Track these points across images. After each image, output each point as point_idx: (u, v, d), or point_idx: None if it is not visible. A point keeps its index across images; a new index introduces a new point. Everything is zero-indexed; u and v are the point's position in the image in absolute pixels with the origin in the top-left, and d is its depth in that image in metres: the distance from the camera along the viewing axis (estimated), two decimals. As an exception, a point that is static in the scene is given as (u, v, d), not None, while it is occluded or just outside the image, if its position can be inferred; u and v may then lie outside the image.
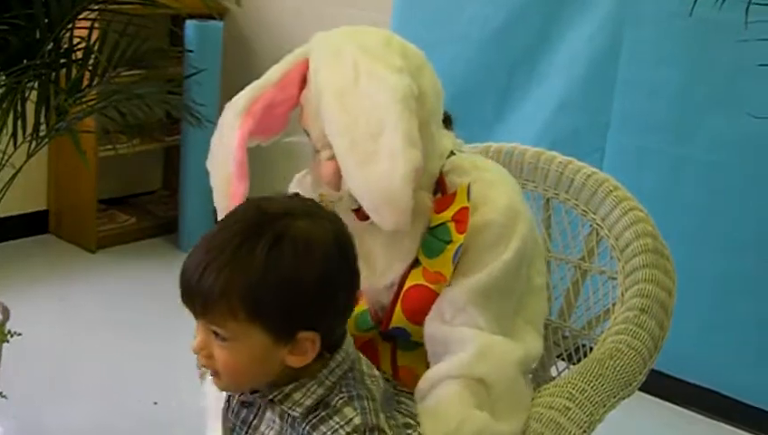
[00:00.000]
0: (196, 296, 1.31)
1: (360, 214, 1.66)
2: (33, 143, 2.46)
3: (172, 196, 4.45)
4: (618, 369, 1.82)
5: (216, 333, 1.32)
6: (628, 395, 1.85)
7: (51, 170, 4.21)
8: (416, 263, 1.69)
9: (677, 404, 3.12)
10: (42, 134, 2.37)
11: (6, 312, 2.58)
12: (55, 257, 4.10)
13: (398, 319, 1.70)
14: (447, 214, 1.67)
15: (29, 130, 2.40)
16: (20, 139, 2.47)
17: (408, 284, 1.69)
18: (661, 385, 2.84)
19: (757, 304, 3.01)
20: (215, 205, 1.79)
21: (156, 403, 3.05)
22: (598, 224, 2.05)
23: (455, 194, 1.69)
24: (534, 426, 1.63)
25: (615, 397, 1.77)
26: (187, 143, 4.18)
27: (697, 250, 2.98)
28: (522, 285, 1.76)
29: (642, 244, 1.99)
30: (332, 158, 1.62)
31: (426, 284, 1.68)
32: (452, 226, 1.66)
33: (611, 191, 2.04)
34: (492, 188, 1.73)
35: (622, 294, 1.98)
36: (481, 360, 1.64)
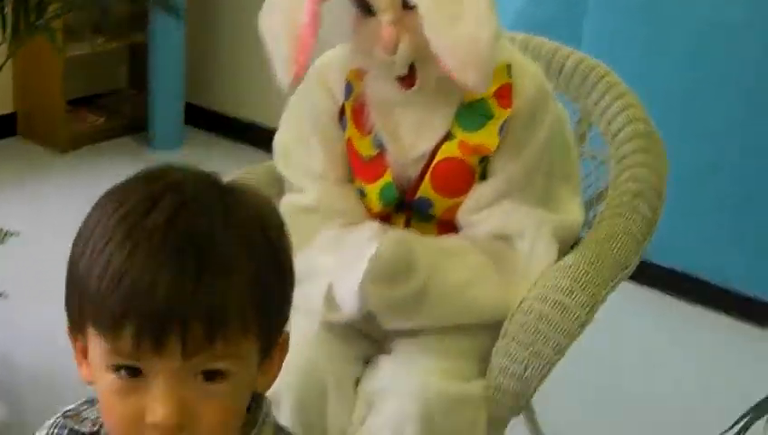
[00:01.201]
0: (190, 321, 0.86)
1: (406, 82, 1.70)
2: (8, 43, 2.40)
3: (139, 94, 4.39)
4: (615, 251, 1.85)
5: (210, 374, 0.89)
6: (625, 278, 1.89)
7: (16, 72, 4.12)
8: (448, 137, 1.73)
9: (654, 288, 3.17)
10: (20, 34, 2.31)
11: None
12: (24, 159, 4.05)
13: (425, 190, 1.77)
14: (488, 91, 1.72)
15: (8, 29, 2.34)
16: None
17: (439, 156, 1.75)
18: (638, 270, 2.90)
19: (732, 188, 3.06)
20: (276, 73, 1.75)
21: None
22: (588, 110, 2.06)
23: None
24: (539, 307, 1.66)
25: (614, 279, 1.81)
26: (154, 40, 4.10)
27: (674, 135, 3.00)
28: (562, 158, 1.83)
29: (634, 129, 2.01)
30: (393, 22, 1.63)
31: (460, 156, 1.75)
32: (493, 101, 1.72)
33: (602, 77, 2.05)
34: (524, 67, 1.80)
35: (615, 179, 2.01)
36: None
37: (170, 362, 0.87)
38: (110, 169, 3.97)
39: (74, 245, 0.95)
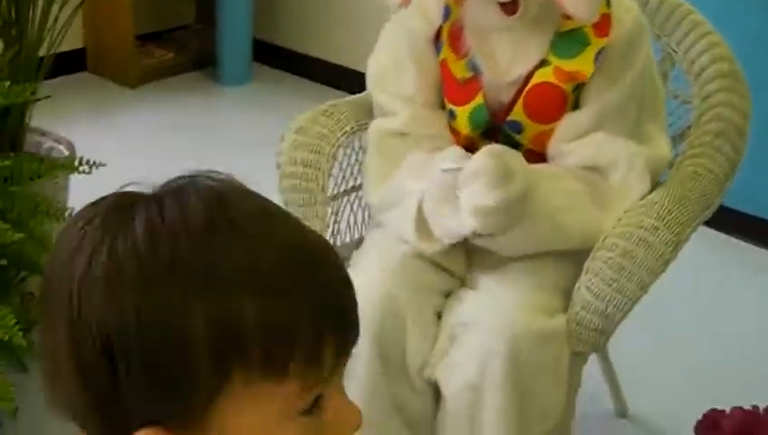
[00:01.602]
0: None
1: (508, 9, 1.72)
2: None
3: (207, 30, 4.41)
4: (698, 191, 1.85)
5: None
6: (707, 218, 1.89)
7: (86, 8, 4.14)
8: (543, 64, 1.76)
9: (727, 233, 3.14)
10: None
11: (71, 146, 2.61)
12: (94, 94, 4.10)
13: (517, 113, 1.79)
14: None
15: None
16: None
17: (533, 81, 1.77)
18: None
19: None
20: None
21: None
22: (672, 48, 2.05)
23: None
24: (624, 244, 1.67)
25: (697, 219, 1.81)
26: (222, -25, 4.12)
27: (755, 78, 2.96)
28: (652, 93, 1.84)
29: (718, 68, 1.99)
30: None
31: (555, 82, 1.77)
32: (590, 30, 1.74)
33: (687, 15, 2.03)
34: (619, 2, 1.80)
35: (698, 118, 2.00)
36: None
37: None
38: (179, 104, 4.05)
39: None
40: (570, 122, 1.78)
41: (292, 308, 0.69)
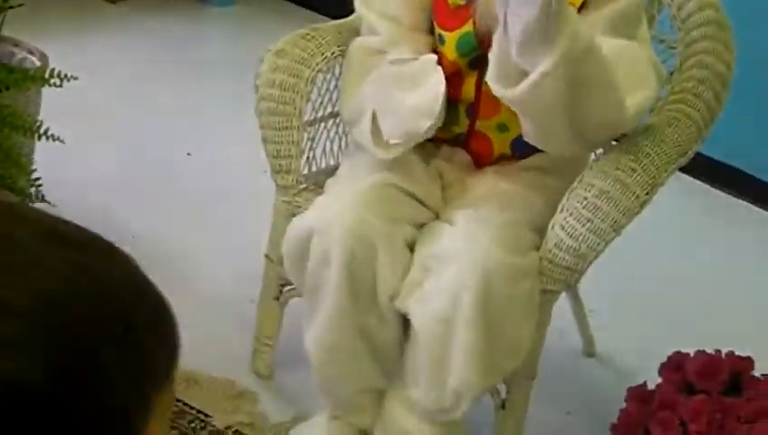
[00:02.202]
0: None
1: None
2: None
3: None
4: (677, 136, 1.85)
5: None
6: (684, 163, 1.89)
7: None
8: None
9: (721, 189, 3.14)
10: None
11: (44, 57, 2.56)
12: (75, 8, 4.01)
13: None
14: None
15: None
16: None
17: None
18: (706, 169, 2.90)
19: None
20: None
21: (189, 154, 3.07)
22: (660, -9, 2.03)
23: None
24: (600, 184, 1.67)
25: (673, 163, 1.81)
26: None
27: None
28: (640, 30, 1.79)
29: (705, 15, 1.98)
30: None
31: None
32: None
33: (677, -41, 2.01)
34: None
35: (681, 64, 1.99)
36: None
37: None
38: (162, 22, 3.98)
39: None
40: None
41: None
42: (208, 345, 2.26)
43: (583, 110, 1.63)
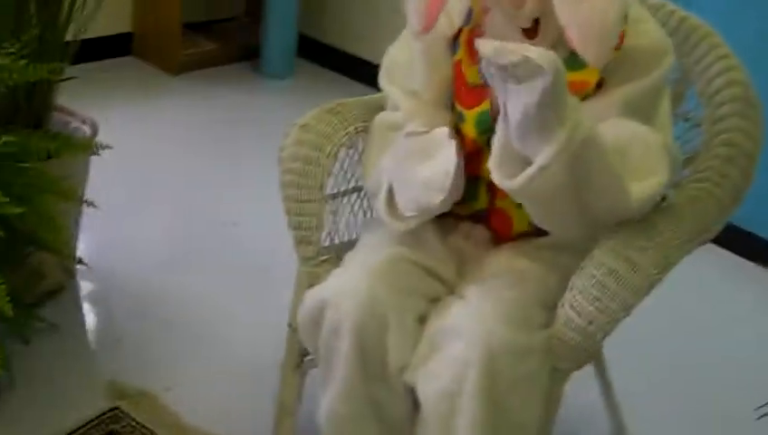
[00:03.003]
0: None
1: (528, 33, 1.73)
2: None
3: (254, 23, 4.45)
4: (696, 215, 1.83)
5: None
6: (704, 242, 1.86)
7: (135, -8, 4.23)
8: None
9: (746, 257, 3.10)
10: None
11: (95, 127, 2.64)
12: (137, 79, 4.15)
13: None
14: None
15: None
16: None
17: None
18: (730, 237, 2.85)
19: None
20: (409, 20, 1.80)
21: (235, 224, 3.13)
22: (688, 69, 2.02)
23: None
24: (610, 263, 1.65)
25: (692, 242, 1.78)
26: (271, -30, 4.15)
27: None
28: (659, 113, 1.79)
29: (733, 92, 1.97)
30: None
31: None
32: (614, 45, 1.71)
33: (705, 37, 2.00)
34: (643, 20, 1.80)
35: (708, 142, 1.97)
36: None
37: None
38: (221, 94, 4.10)
39: None
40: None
41: None
42: (238, 410, 2.30)
43: (585, 198, 1.62)
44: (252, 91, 4.22)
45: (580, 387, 2.02)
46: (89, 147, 2.34)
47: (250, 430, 2.25)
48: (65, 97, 2.65)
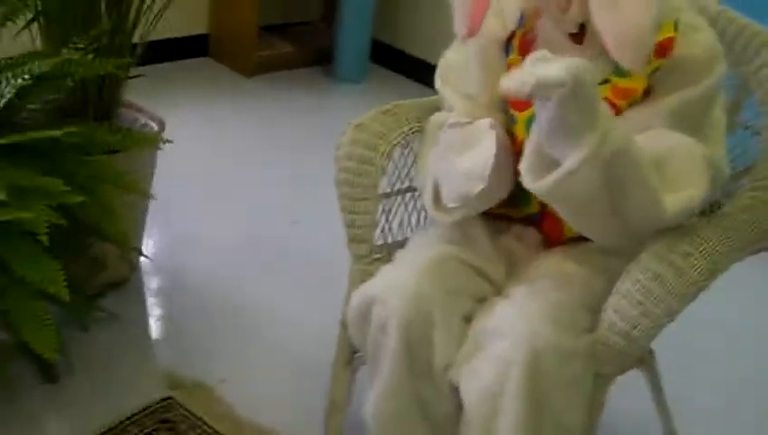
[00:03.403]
0: None
1: (575, 38, 1.76)
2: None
3: (329, 27, 4.50)
4: (750, 223, 1.81)
5: None
6: (758, 251, 1.84)
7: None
8: (603, 81, 1.76)
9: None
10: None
11: (162, 124, 2.70)
12: (212, 80, 4.22)
13: None
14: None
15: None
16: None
17: None
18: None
19: None
20: (455, 25, 1.84)
21: (296, 222, 3.18)
22: (748, 77, 2.00)
23: (660, 25, 1.72)
24: (655, 268, 1.64)
25: (742, 250, 1.76)
26: (346, -25, 4.21)
27: None
28: (710, 122, 1.79)
29: (794, 100, 1.94)
30: None
31: (611, 98, 1.76)
32: (651, 51, 1.71)
33: (765, 44, 1.98)
34: (696, 29, 1.79)
35: (766, 151, 1.95)
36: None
37: None
38: (293, 97, 4.15)
39: None
40: (630, 114, 1.76)
41: None
42: (291, 405, 2.34)
43: (618, 206, 1.64)
44: (324, 95, 4.27)
45: (634, 394, 2.02)
46: (153, 142, 2.40)
47: (301, 424, 2.28)
48: (140, 95, 2.73)
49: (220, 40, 4.34)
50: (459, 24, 1.81)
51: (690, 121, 1.74)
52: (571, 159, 1.55)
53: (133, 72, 2.55)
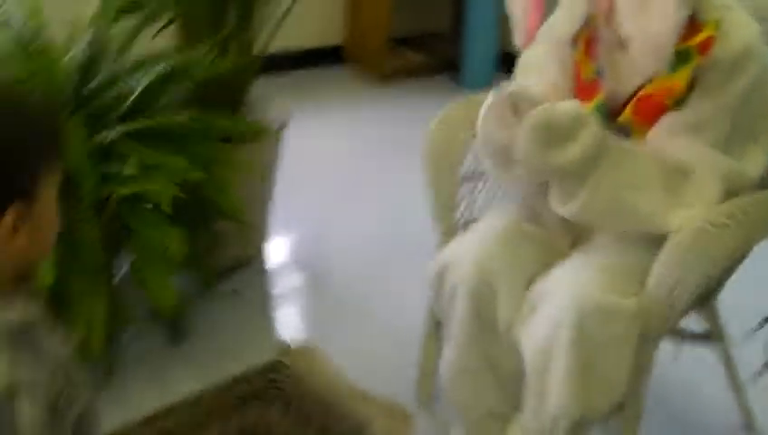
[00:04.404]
0: None
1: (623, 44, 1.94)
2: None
3: (458, 37, 4.72)
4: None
5: None
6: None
7: (347, 8, 4.60)
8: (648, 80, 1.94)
9: None
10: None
11: (286, 120, 2.98)
12: (346, 86, 4.52)
13: (625, 118, 1.96)
14: (693, 41, 1.88)
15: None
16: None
17: (642, 92, 1.94)
18: None
19: None
20: (515, 39, 2.16)
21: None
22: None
23: (700, 26, 1.88)
24: (694, 234, 1.79)
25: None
26: (474, -13, 4.43)
27: None
28: (754, 115, 1.94)
29: None
30: None
31: (657, 95, 1.93)
32: (694, 49, 1.89)
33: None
34: (735, 24, 1.92)
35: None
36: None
37: None
38: (422, 104, 4.39)
39: None
40: (665, 120, 1.91)
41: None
42: (392, 374, 2.52)
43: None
44: (447, 101, 4.48)
45: (686, 366, 2.15)
46: (273, 134, 2.67)
47: (398, 391, 2.47)
48: (278, 97, 3.03)
49: (354, 49, 4.63)
50: (517, 37, 2.07)
51: (726, 125, 1.89)
52: (573, 205, 1.86)
53: (271, 77, 2.85)
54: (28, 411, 1.04)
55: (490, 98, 1.92)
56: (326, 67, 4.63)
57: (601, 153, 1.83)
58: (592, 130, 1.82)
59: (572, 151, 1.80)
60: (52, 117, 1.17)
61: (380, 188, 3.61)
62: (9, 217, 1.07)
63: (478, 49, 4.54)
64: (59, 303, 2.06)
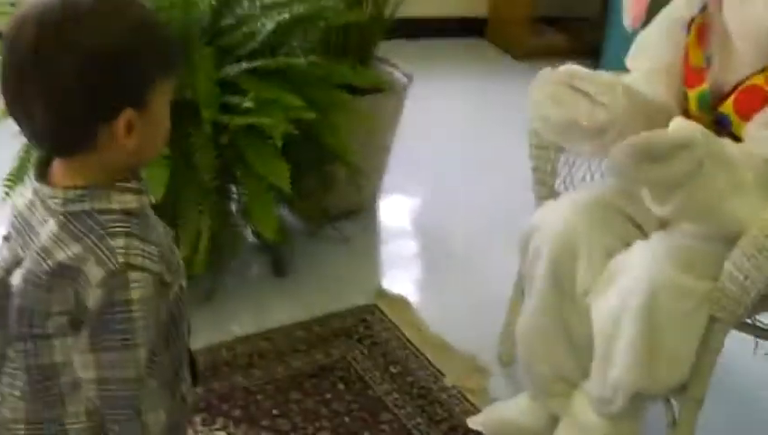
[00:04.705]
0: None
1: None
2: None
3: (603, 23, 4.72)
4: None
5: None
6: None
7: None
8: (762, 69, 1.95)
9: None
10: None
11: (409, 79, 3.08)
12: (484, 58, 4.59)
13: (727, 107, 1.99)
14: None
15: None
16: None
17: (747, 82, 1.96)
18: None
19: None
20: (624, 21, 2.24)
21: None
22: None
23: None
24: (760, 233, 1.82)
25: None
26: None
27: None
28: None
29: None
30: None
31: (762, 86, 1.95)
32: None
33: None
34: None
35: None
36: None
37: None
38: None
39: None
40: (763, 114, 1.94)
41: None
42: (476, 330, 2.62)
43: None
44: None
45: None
46: (392, 89, 2.77)
47: (479, 347, 2.56)
48: (412, 62, 3.14)
49: (497, 24, 4.69)
50: (626, 18, 2.17)
51: None
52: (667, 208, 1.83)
53: (411, 41, 2.95)
54: (141, 282, 1.17)
55: (541, 77, 1.98)
56: (466, 37, 4.70)
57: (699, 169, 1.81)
58: (693, 154, 1.76)
59: (669, 171, 1.77)
60: (164, 30, 1.26)
61: (498, 161, 3.67)
62: (122, 120, 1.17)
63: (620, 35, 4.52)
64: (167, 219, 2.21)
